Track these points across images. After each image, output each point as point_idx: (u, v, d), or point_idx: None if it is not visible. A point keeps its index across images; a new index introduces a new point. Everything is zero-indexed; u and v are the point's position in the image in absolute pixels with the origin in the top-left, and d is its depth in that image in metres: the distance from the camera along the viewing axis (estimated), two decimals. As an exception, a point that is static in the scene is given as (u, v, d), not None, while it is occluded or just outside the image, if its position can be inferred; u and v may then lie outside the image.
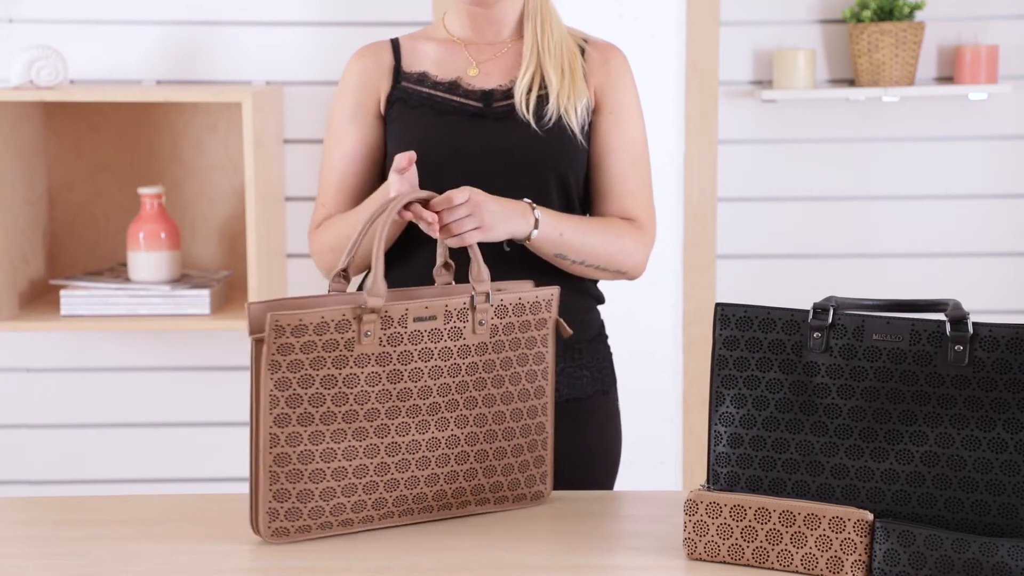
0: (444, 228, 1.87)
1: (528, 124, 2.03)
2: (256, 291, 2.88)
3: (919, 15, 3.19)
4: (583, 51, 2.11)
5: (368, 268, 1.92)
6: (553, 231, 1.99)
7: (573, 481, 2.03)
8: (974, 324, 1.54)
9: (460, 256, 1.88)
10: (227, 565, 1.64)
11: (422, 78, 2.09)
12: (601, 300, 2.17)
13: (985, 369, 1.54)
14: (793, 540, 1.58)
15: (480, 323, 1.77)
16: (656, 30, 3.29)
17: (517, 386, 1.81)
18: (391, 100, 2.09)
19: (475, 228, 1.88)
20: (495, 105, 2.06)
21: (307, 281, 3.22)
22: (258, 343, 1.68)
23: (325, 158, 2.12)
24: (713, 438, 1.65)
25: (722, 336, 1.65)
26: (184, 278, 3.02)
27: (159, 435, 3.26)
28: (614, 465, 2.18)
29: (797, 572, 1.58)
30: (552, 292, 1.83)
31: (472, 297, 1.77)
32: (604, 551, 1.67)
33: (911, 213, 3.27)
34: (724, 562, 1.61)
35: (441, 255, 1.86)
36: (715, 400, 1.65)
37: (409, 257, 2.05)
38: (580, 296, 2.11)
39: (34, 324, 2.92)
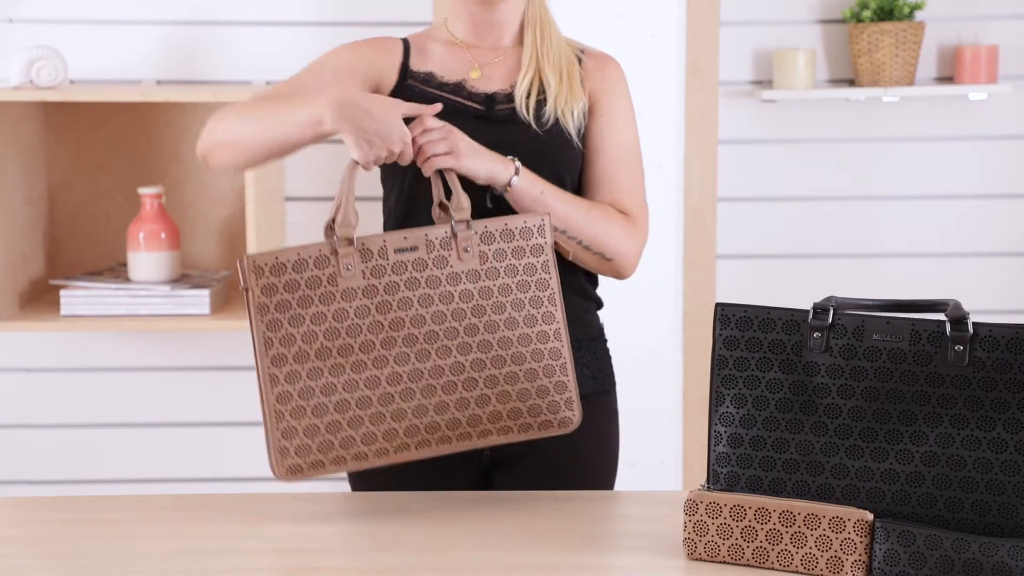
0: (418, 151, 1.90)
1: (529, 126, 2.06)
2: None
3: (919, 15, 3.19)
4: (580, 60, 2.14)
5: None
6: (533, 188, 1.99)
7: (572, 482, 2.04)
8: (974, 324, 1.55)
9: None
10: (227, 565, 1.64)
11: (428, 78, 2.12)
12: (600, 304, 2.19)
13: (985, 369, 1.54)
14: (793, 540, 1.58)
15: (465, 250, 1.83)
16: (656, 30, 3.29)
17: (521, 312, 1.84)
18: (397, 96, 2.09)
19: (447, 153, 1.91)
20: (497, 108, 2.09)
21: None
22: (249, 293, 1.77)
23: (291, 80, 2.10)
24: (713, 438, 1.65)
25: (722, 336, 1.65)
26: (184, 278, 3.02)
27: (159, 435, 3.26)
28: (613, 466, 2.18)
29: (797, 572, 1.58)
30: (542, 218, 1.87)
31: (452, 225, 1.83)
32: (604, 551, 1.67)
33: (911, 213, 3.27)
34: (724, 562, 1.61)
35: (436, 196, 1.90)
36: (715, 400, 1.65)
37: (413, 220, 2.05)
38: (579, 297, 2.13)
39: (34, 324, 2.92)
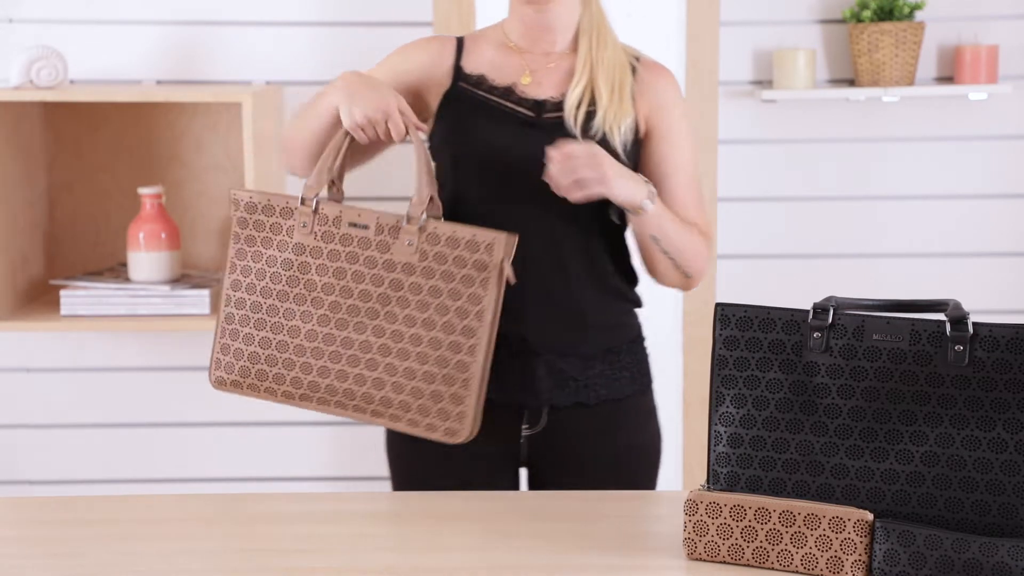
0: (572, 183, 1.94)
1: (576, 138, 2.04)
2: (256, 291, 2.88)
3: (919, 15, 3.19)
4: (634, 69, 2.13)
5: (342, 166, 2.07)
6: (661, 209, 2.04)
7: (613, 480, 2.09)
8: (974, 324, 1.55)
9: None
10: (227, 565, 1.64)
11: (480, 81, 2.12)
12: (639, 303, 2.21)
13: (985, 369, 1.54)
14: (793, 540, 1.58)
15: (408, 243, 1.93)
16: (656, 30, 3.29)
17: (443, 316, 1.92)
18: (448, 98, 2.12)
19: (596, 179, 1.95)
20: (546, 116, 2.09)
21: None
22: (232, 219, 2.02)
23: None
24: (713, 438, 1.65)
25: (722, 336, 1.65)
26: (184, 278, 3.02)
27: (159, 435, 3.26)
28: (656, 461, 2.22)
29: (797, 572, 1.58)
30: (494, 237, 1.92)
31: (405, 215, 1.93)
32: (604, 551, 1.67)
33: (911, 213, 3.27)
34: (724, 562, 1.61)
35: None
36: (715, 400, 1.65)
37: (458, 216, 2.06)
38: (620, 301, 2.16)
39: (34, 324, 2.92)
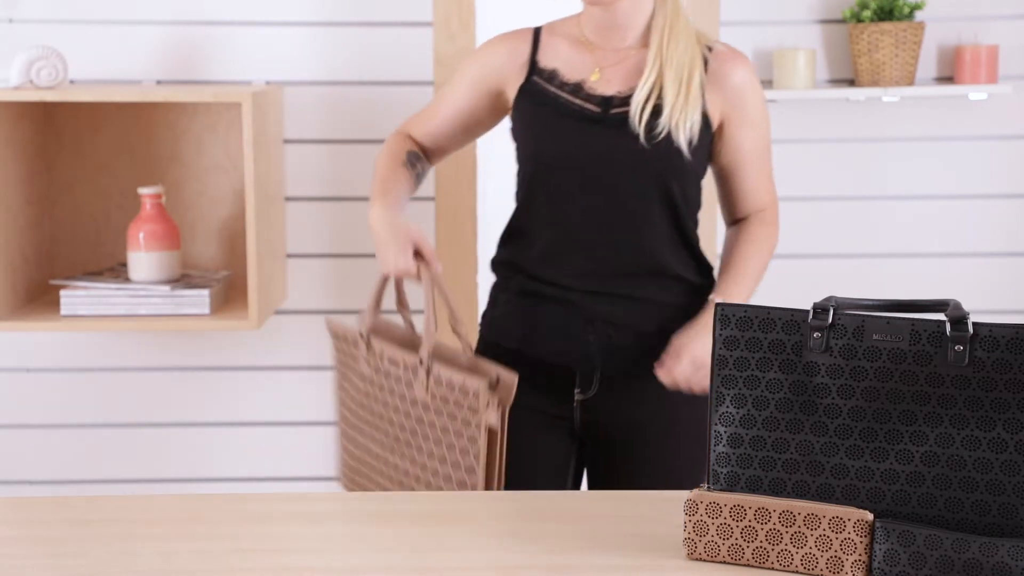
0: (691, 383, 2.13)
1: (637, 136, 2.11)
2: (256, 291, 2.88)
3: (919, 15, 3.19)
4: (706, 61, 2.18)
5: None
6: (739, 299, 2.20)
7: (665, 450, 2.22)
8: (974, 324, 1.54)
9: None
10: (227, 565, 1.64)
11: (552, 76, 2.20)
12: (703, 291, 2.28)
13: (985, 369, 1.54)
14: (793, 540, 1.58)
15: (420, 383, 2.07)
16: (656, 30, 3.29)
17: (451, 454, 2.05)
18: (522, 91, 2.21)
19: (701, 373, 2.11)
20: (612, 112, 2.15)
21: (307, 281, 3.22)
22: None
23: (439, 94, 2.37)
24: (713, 438, 1.65)
25: (722, 336, 1.65)
26: (184, 278, 3.02)
27: (159, 435, 3.26)
28: (703, 437, 2.27)
29: (797, 572, 1.58)
30: (477, 385, 1.98)
31: (421, 359, 2.07)
32: (604, 551, 1.67)
33: (911, 213, 3.27)
34: (724, 562, 1.61)
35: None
36: (715, 400, 1.65)
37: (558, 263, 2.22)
38: (679, 286, 2.23)
39: (34, 324, 2.92)
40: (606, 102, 2.15)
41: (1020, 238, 3.27)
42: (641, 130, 2.11)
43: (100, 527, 1.77)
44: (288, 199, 3.20)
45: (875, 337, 1.58)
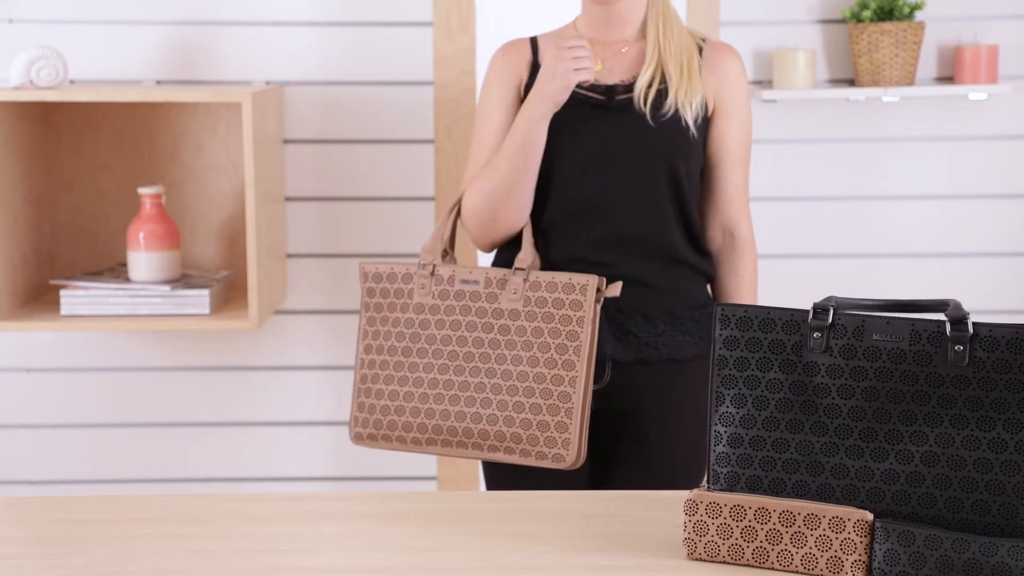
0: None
1: (643, 116, 2.24)
2: (256, 291, 2.88)
3: (919, 15, 3.19)
4: (700, 50, 2.31)
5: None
6: None
7: (671, 439, 2.26)
8: (974, 324, 1.55)
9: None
10: (226, 565, 1.64)
11: None
12: (706, 274, 2.36)
13: (985, 369, 1.54)
14: (793, 540, 1.58)
15: (513, 292, 2.14)
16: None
17: (546, 353, 2.11)
18: (528, 89, 2.30)
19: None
20: (616, 99, 2.26)
21: (307, 281, 3.22)
22: (361, 291, 2.26)
23: (477, 134, 2.36)
24: (713, 438, 1.65)
25: (722, 336, 1.65)
26: (184, 278, 3.02)
27: (159, 435, 3.26)
28: (705, 426, 2.32)
29: (797, 572, 1.58)
30: (587, 280, 2.12)
31: (512, 271, 2.15)
32: (604, 551, 1.67)
33: (911, 213, 3.27)
34: (724, 562, 1.61)
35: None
36: (715, 400, 1.65)
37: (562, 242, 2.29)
38: (683, 269, 2.30)
39: (34, 324, 2.92)
40: (610, 90, 2.26)
41: (1020, 238, 3.27)
42: (647, 112, 2.23)
43: (100, 527, 1.77)
44: (288, 199, 3.20)
45: (875, 337, 1.58)
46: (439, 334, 2.18)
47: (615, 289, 2.15)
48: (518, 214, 2.26)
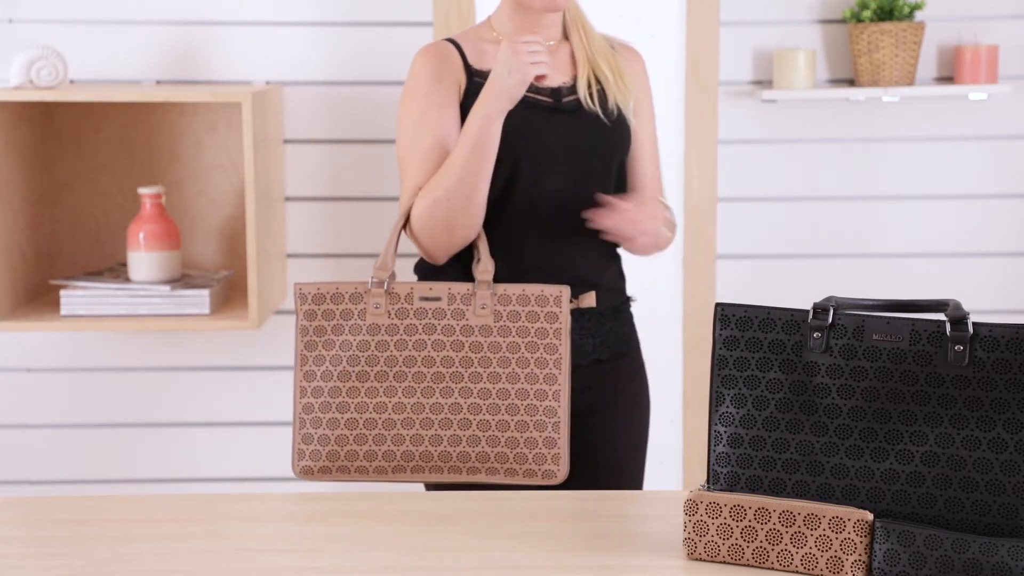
0: (635, 233, 2.19)
1: (597, 116, 2.23)
2: (256, 291, 2.88)
3: (919, 15, 3.19)
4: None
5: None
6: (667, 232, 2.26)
7: (606, 429, 2.26)
8: (974, 324, 1.55)
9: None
10: (226, 565, 1.64)
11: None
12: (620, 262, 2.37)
13: (985, 369, 1.54)
14: (793, 540, 1.58)
15: (482, 307, 2.05)
16: (656, 30, 3.29)
17: (525, 369, 2.04)
18: (468, 93, 2.21)
19: (651, 235, 2.19)
20: (564, 100, 2.24)
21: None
22: (296, 314, 2.08)
23: (413, 149, 2.19)
24: (713, 438, 1.65)
25: (722, 336, 1.65)
26: (184, 278, 3.02)
27: (159, 435, 3.26)
28: (645, 416, 2.38)
29: (797, 572, 1.58)
30: (560, 291, 2.07)
31: (474, 283, 2.06)
32: (604, 551, 1.67)
33: (911, 213, 3.27)
34: (724, 562, 1.61)
35: (475, 255, 2.14)
36: (715, 400, 1.65)
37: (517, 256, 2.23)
38: (616, 263, 2.31)
39: (34, 324, 2.92)
40: (556, 93, 2.24)
41: (1020, 238, 3.27)
42: (598, 110, 2.23)
43: (100, 527, 1.78)
44: (288, 199, 3.20)
45: (875, 337, 1.58)
46: (400, 355, 2.05)
47: (589, 299, 2.12)
48: (475, 219, 2.13)
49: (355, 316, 2.06)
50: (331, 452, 2.05)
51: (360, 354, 2.05)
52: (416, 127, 2.19)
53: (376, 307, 2.06)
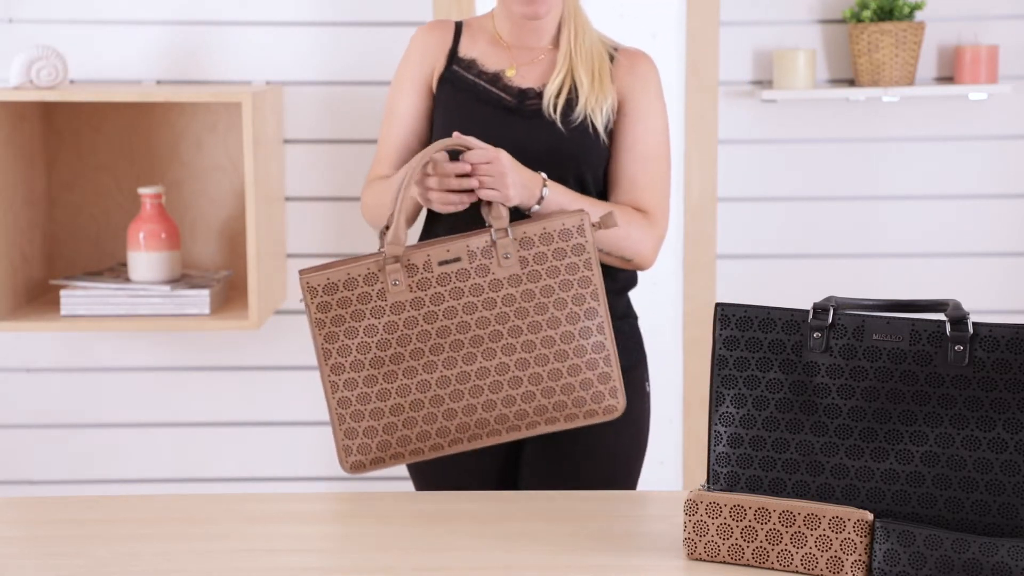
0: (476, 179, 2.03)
1: (553, 123, 2.20)
2: (256, 291, 2.88)
3: (919, 15, 3.19)
4: (612, 58, 2.28)
5: (410, 222, 2.10)
6: (555, 207, 2.10)
7: (598, 444, 2.18)
8: (974, 324, 1.55)
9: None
10: (226, 565, 1.64)
11: (470, 65, 2.27)
12: (631, 285, 2.30)
13: (985, 369, 1.54)
14: (793, 540, 1.58)
15: (505, 256, 1.95)
16: (656, 30, 3.29)
17: (564, 310, 1.96)
18: (442, 79, 2.27)
19: (494, 190, 2.01)
20: (527, 103, 2.23)
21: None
22: (308, 310, 1.96)
23: (386, 119, 2.30)
24: (713, 438, 1.65)
25: (722, 336, 1.65)
26: (184, 278, 3.02)
27: (159, 435, 3.26)
28: (641, 435, 2.29)
29: (797, 572, 1.58)
30: (581, 218, 1.97)
31: (491, 234, 1.95)
32: (604, 551, 1.67)
33: (911, 213, 3.27)
34: (724, 562, 1.61)
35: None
36: (715, 400, 1.65)
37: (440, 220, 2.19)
38: (609, 281, 2.20)
39: (34, 324, 2.92)
40: (522, 94, 2.23)
41: (1020, 238, 3.27)
42: (557, 118, 2.19)
43: (100, 527, 1.78)
44: (288, 199, 3.20)
45: (875, 337, 1.58)
46: (432, 327, 1.94)
47: (611, 220, 2.00)
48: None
49: (374, 298, 1.94)
50: (382, 442, 1.96)
51: (389, 336, 1.94)
52: (388, 105, 2.29)
53: (395, 283, 1.93)
